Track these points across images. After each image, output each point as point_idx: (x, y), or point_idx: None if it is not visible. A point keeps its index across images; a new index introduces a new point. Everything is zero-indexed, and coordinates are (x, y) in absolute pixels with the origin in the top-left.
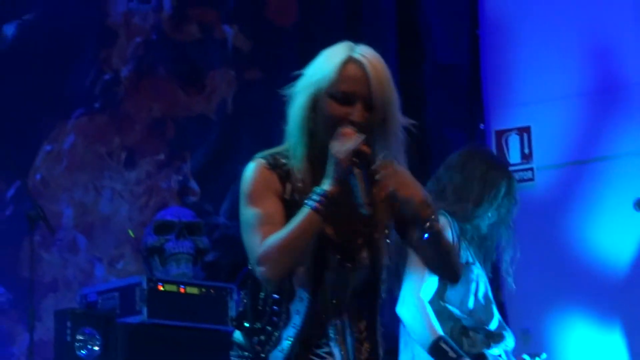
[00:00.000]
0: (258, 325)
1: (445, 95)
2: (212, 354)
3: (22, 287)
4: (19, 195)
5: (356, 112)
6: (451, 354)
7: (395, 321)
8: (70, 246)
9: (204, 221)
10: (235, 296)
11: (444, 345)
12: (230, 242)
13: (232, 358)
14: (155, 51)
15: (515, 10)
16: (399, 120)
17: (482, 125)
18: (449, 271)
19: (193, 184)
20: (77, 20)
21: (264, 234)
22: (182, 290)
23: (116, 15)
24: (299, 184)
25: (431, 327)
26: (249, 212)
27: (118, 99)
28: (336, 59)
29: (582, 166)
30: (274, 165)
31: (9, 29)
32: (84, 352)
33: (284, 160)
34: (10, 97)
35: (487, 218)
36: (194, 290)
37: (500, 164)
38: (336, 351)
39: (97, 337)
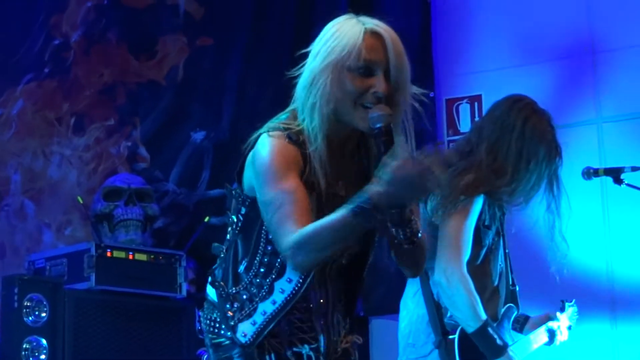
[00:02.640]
0: (234, 290)
1: None
2: (160, 320)
3: None
4: None
5: (379, 82)
6: (498, 341)
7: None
8: (18, 212)
9: (153, 188)
10: (184, 263)
11: (491, 332)
12: (180, 209)
13: (202, 319)
14: (106, 16)
15: None
16: (411, 90)
17: (432, 94)
18: (414, 268)
19: (143, 151)
20: None
21: (297, 220)
22: (130, 256)
23: None
24: (317, 166)
25: (476, 309)
26: (275, 193)
27: (68, 64)
28: (353, 32)
29: None
30: (296, 142)
31: None
32: (31, 319)
33: (301, 137)
34: None
35: (528, 190)
36: (142, 257)
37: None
38: (317, 325)
39: (45, 303)
